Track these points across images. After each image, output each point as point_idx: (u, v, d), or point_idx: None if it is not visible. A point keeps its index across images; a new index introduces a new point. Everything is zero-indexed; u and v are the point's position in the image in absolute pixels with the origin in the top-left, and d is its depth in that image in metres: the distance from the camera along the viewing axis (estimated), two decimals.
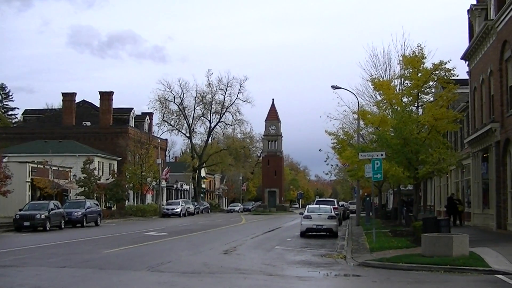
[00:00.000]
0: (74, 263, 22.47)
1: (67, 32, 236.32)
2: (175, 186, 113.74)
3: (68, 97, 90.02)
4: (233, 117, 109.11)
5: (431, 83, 38.97)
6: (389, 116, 39.59)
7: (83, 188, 66.62)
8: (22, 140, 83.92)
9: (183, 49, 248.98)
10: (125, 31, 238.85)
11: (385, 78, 49.16)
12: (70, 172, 69.68)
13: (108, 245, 30.28)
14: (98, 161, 77.39)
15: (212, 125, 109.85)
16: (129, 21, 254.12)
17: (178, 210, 79.65)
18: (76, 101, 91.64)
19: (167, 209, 79.71)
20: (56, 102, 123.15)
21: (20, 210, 47.58)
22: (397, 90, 43.05)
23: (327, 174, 65.23)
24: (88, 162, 67.82)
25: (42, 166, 62.51)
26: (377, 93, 45.75)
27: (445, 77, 37.69)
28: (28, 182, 61.32)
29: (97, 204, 57.61)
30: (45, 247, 30.30)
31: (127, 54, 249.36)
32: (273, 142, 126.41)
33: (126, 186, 77.55)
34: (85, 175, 66.80)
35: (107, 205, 75.09)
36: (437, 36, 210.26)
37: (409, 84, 40.03)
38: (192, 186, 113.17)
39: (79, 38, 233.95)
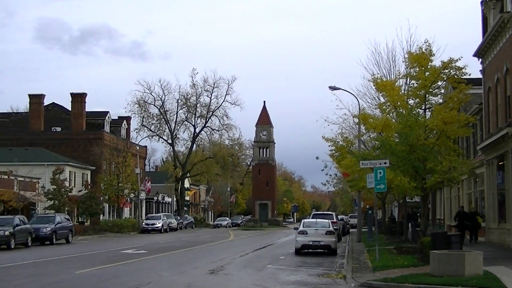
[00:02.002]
0: (42, 286, 22.28)
1: (34, 25, 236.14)
2: (155, 198, 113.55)
3: (36, 99, 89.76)
4: (220, 121, 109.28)
5: (440, 83, 39.02)
6: (393, 120, 39.57)
7: (52, 201, 66.33)
8: None
9: (164, 45, 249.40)
10: (99, 25, 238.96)
11: (388, 78, 49.19)
12: (38, 183, 69.39)
13: (80, 265, 30.09)
14: (70, 171, 77.12)
15: (197, 130, 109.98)
16: (104, 13, 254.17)
17: (159, 225, 79.45)
18: (45, 104, 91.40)
19: (147, 224, 79.53)
20: (22, 105, 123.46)
21: None
22: (402, 91, 43.04)
23: (324, 184, 65.17)
24: (58, 172, 67.57)
25: (6, 177, 62.22)
26: (379, 94, 45.75)
27: (456, 76, 37.72)
28: None
29: (68, 219, 57.33)
30: (9, 267, 30.07)
31: (102, 50, 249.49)
32: (264, 149, 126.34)
33: (101, 198, 77.31)
34: (55, 187, 66.53)
35: (80, 220, 74.82)
36: (447, 31, 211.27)
37: (415, 85, 40.04)
38: (175, 199, 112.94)
39: (47, 32, 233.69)
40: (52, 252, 41.17)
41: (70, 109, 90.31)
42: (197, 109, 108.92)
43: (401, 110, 39.03)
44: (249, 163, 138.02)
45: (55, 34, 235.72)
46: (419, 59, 37.84)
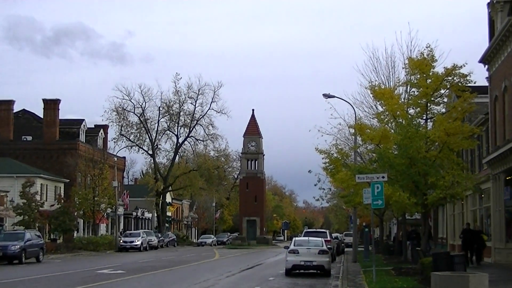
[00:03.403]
0: None
1: (2, 24, 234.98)
2: (134, 213, 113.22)
3: (4, 105, 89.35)
4: (205, 131, 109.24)
5: (442, 91, 39.08)
6: (392, 131, 39.65)
7: (22, 216, 66.02)
8: None
9: (146, 47, 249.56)
10: (75, 24, 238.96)
11: (387, 85, 49.33)
12: (7, 196, 69.14)
13: (51, 287, 29.92)
14: (41, 184, 76.88)
15: (180, 140, 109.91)
16: (79, 12, 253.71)
17: (138, 243, 79.23)
18: (15, 111, 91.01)
19: (125, 242, 79.29)
20: None
21: None
22: (402, 100, 43.17)
23: (317, 200, 65.33)
24: (28, 184, 67.31)
25: None
26: (377, 103, 45.85)
27: (460, 84, 37.84)
28: None
29: (39, 236, 57.08)
30: None
31: (78, 52, 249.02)
32: (252, 162, 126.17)
33: (75, 213, 77.02)
34: (25, 201, 66.27)
35: (52, 237, 74.51)
36: (451, 35, 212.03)
37: (416, 93, 40.17)
38: (156, 214, 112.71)
39: (17, 31, 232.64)
40: (21, 272, 40.92)
41: (42, 117, 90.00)
42: (180, 117, 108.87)
43: (400, 120, 39.11)
44: (236, 176, 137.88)
45: (26, 34, 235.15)
46: (420, 65, 37.94)
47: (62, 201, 75.18)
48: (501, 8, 40.40)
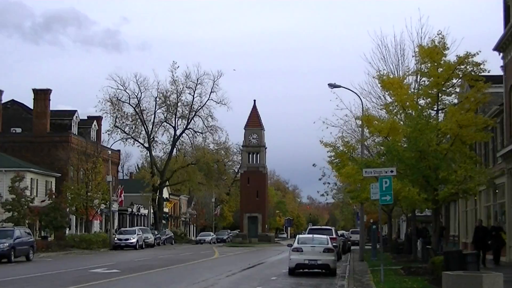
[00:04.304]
0: None
1: None
2: (129, 210, 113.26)
3: None
4: (204, 122, 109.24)
5: (454, 80, 39.10)
6: (401, 123, 39.64)
7: (11, 212, 66.13)
8: None
9: (141, 34, 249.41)
10: (66, 10, 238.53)
11: (396, 75, 49.34)
12: None
13: (42, 287, 29.93)
14: (31, 178, 76.88)
15: (178, 132, 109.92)
16: None
17: (134, 240, 79.36)
18: (3, 101, 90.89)
19: (120, 240, 79.41)
20: None
21: None
22: (412, 90, 43.15)
23: (322, 195, 65.21)
24: (17, 179, 67.33)
25: None
26: (386, 93, 45.84)
27: (473, 73, 37.80)
28: None
29: (29, 233, 57.11)
30: None
31: (70, 39, 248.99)
32: (254, 155, 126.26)
33: (67, 210, 77.13)
34: (14, 196, 66.33)
35: (43, 235, 74.56)
36: (463, 21, 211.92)
37: (426, 82, 40.13)
38: (152, 210, 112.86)
39: (5, 17, 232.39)
40: (10, 271, 40.92)
41: (32, 108, 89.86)
42: (178, 108, 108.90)
43: (410, 112, 39.11)
44: (236, 171, 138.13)
45: (15, 20, 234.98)
46: (431, 53, 37.90)
47: (54, 196, 75.26)
48: None
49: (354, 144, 50.59)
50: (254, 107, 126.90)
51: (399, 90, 39.38)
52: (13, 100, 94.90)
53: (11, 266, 46.44)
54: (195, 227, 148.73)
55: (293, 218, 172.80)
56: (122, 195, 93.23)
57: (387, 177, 30.53)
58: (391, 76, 45.45)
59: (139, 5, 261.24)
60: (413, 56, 46.02)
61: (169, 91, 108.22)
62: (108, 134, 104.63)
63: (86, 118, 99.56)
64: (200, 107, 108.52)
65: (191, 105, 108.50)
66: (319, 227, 73.95)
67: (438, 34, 38.74)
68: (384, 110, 45.49)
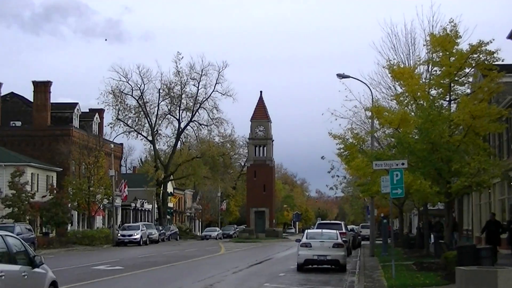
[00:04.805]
0: None
1: None
2: (133, 205, 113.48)
3: None
4: (209, 115, 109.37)
5: (467, 70, 38.99)
6: (413, 114, 39.58)
7: (11, 208, 66.22)
8: None
9: (144, 24, 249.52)
10: (66, 0, 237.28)
11: (407, 64, 49.22)
12: None
13: None
14: (32, 173, 77.02)
15: (182, 125, 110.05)
16: None
17: (137, 236, 79.46)
18: (2, 94, 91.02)
19: (123, 236, 79.50)
20: None
21: None
22: (423, 80, 43.06)
23: (331, 188, 65.00)
24: (18, 174, 67.45)
25: None
26: (396, 83, 45.75)
27: (486, 62, 37.70)
28: None
29: (30, 230, 57.37)
30: None
31: (71, 30, 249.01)
32: (261, 148, 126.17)
33: (69, 205, 77.23)
34: (14, 191, 66.44)
35: (44, 231, 74.65)
36: (476, 9, 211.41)
37: (438, 72, 40.04)
38: (156, 205, 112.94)
39: (4, 7, 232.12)
40: None
41: (32, 100, 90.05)
42: (182, 100, 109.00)
43: (421, 102, 39.06)
44: (243, 164, 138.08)
45: (14, 11, 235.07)
46: (443, 42, 37.83)
47: (55, 191, 75.33)
48: None
49: (364, 136, 50.46)
50: (261, 98, 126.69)
51: (410, 80, 39.32)
52: (12, 92, 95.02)
53: None
54: (200, 223, 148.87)
55: (301, 213, 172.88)
56: (125, 189, 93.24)
57: (398, 169, 30.49)
58: (402, 66, 45.34)
59: None
60: (424, 45, 45.87)
61: (173, 82, 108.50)
62: (111, 127, 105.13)
63: (87, 110, 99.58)
64: (205, 99, 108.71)
65: (196, 97, 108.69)
66: (328, 221, 73.89)
67: (450, 22, 38.67)
68: (395, 101, 45.43)
